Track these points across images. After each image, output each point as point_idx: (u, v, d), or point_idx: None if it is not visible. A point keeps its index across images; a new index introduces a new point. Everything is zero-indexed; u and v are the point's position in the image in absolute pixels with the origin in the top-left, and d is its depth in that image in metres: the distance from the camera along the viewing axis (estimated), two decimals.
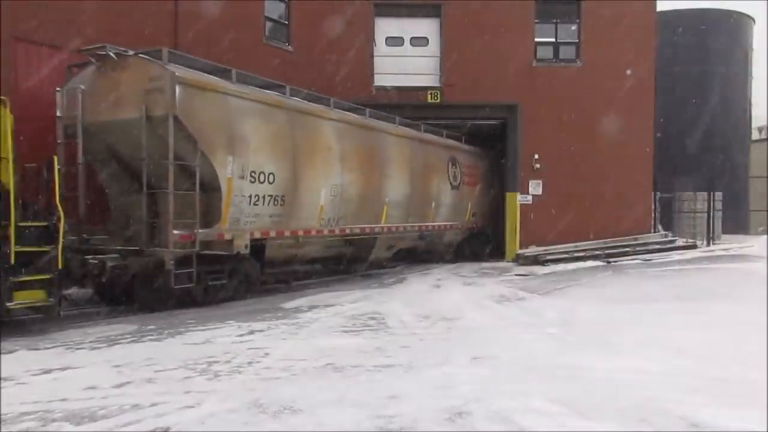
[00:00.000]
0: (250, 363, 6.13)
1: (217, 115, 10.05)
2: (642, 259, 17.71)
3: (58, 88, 9.83)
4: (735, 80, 30.39)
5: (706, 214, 22.78)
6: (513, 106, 18.97)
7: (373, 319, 8.85)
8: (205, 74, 10.26)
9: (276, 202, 11.11)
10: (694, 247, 19.96)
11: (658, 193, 22.19)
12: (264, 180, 10.76)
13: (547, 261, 17.61)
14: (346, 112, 13.47)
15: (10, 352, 6.71)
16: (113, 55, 9.66)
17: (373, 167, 13.75)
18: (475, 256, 19.23)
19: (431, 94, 18.67)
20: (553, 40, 19.29)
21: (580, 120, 18.66)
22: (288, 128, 11.45)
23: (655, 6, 19.85)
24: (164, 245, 9.33)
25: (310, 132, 12.03)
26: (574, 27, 19.23)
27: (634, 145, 19.00)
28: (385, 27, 18.87)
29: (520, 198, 18.94)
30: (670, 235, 20.99)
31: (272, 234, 11.14)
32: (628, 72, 18.89)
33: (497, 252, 19.58)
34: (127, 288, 9.77)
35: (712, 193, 22.86)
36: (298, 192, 11.55)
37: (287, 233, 11.49)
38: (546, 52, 19.26)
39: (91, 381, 5.41)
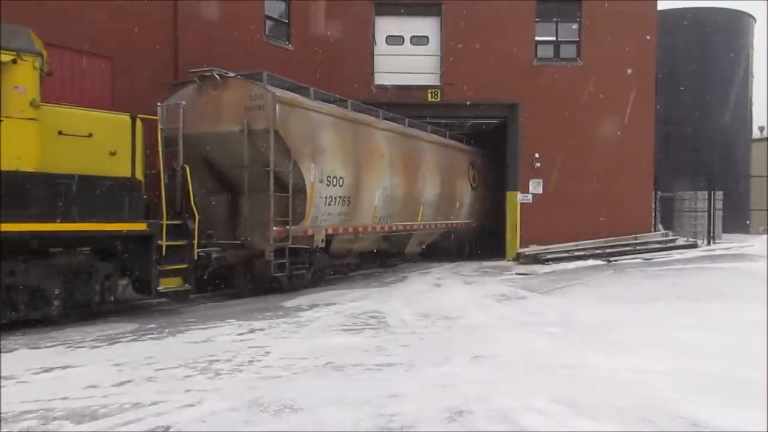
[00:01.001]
0: (250, 361, 6.13)
1: (304, 128, 11.71)
2: (642, 259, 17.71)
3: (159, 103, 10.72)
4: (735, 79, 30.37)
5: (706, 214, 22.77)
6: (513, 105, 18.97)
7: (373, 317, 8.84)
8: (290, 92, 11.71)
9: (343, 203, 12.81)
10: (694, 246, 19.96)
11: (659, 192, 22.20)
12: (336, 183, 12.46)
13: (548, 260, 17.61)
14: (393, 123, 15.14)
15: (11, 350, 6.71)
16: (217, 77, 11.03)
17: (413, 171, 15.44)
18: (484, 252, 19.68)
19: (431, 92, 18.66)
20: (553, 39, 19.27)
21: (581, 119, 18.66)
22: (352, 138, 13.16)
23: (655, 5, 19.83)
24: (266, 239, 10.90)
25: (368, 140, 13.77)
26: (574, 26, 19.22)
27: (634, 144, 18.99)
28: (386, 26, 18.86)
29: (520, 197, 18.94)
30: (671, 234, 20.99)
31: (340, 230, 12.91)
32: (629, 71, 18.87)
33: (498, 250, 19.61)
34: (223, 276, 11.50)
35: (712, 193, 22.84)
36: (359, 193, 13.25)
37: (350, 230, 13.24)
38: (546, 51, 19.24)
39: (91, 380, 5.40)
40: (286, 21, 16.65)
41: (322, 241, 12.29)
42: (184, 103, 10.63)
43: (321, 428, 4.21)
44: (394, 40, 18.93)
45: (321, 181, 11.96)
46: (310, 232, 11.90)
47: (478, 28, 18.41)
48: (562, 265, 16.89)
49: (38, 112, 7.72)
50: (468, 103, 18.75)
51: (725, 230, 24.53)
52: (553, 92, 18.67)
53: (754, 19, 31.92)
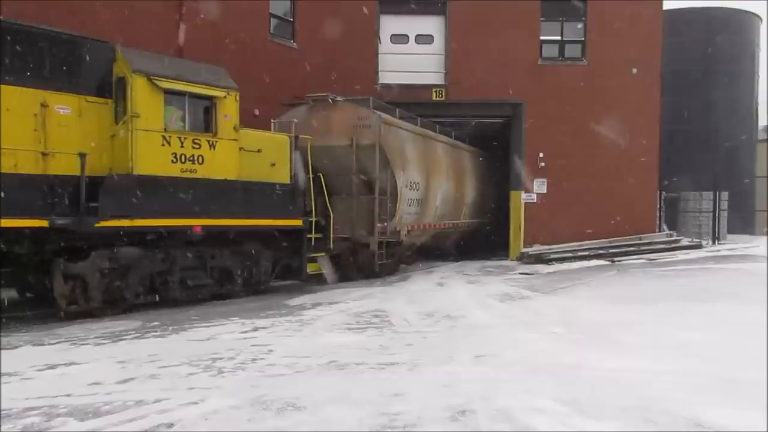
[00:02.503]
0: (253, 360, 6.14)
1: (397, 143, 14.11)
2: (646, 259, 17.66)
3: (273, 120, 13.13)
4: (741, 79, 30.25)
5: (711, 214, 22.70)
6: (518, 105, 18.94)
7: (376, 316, 8.85)
8: (380, 112, 13.71)
9: (418, 204, 15.17)
10: (699, 246, 19.89)
11: (663, 192, 22.15)
12: (414, 188, 14.83)
13: (551, 260, 17.59)
14: (448, 137, 17.87)
15: (16, 347, 6.74)
16: (330, 100, 13.33)
17: (459, 176, 17.97)
18: (492, 248, 20.24)
19: (436, 91, 18.65)
20: (558, 38, 19.24)
21: (585, 119, 18.61)
22: (423, 149, 15.60)
23: (661, 4, 19.75)
24: (370, 234, 13.29)
25: (432, 151, 16.26)
26: (579, 25, 19.18)
27: (639, 144, 18.94)
28: (390, 24, 18.85)
29: (524, 196, 18.92)
30: (675, 234, 20.93)
31: (414, 227, 15.24)
32: (634, 71, 18.82)
33: (503, 248, 19.62)
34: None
35: (717, 193, 22.77)
36: (428, 196, 15.63)
37: (420, 227, 15.69)
38: (551, 51, 19.20)
39: (95, 377, 5.42)
40: (291, 19, 16.66)
41: (405, 236, 14.77)
42: (296, 120, 12.49)
43: (324, 427, 4.21)
44: (399, 38, 18.92)
45: (406, 186, 14.26)
46: (398, 229, 14.29)
47: (483, 27, 18.39)
48: (565, 265, 16.86)
49: (237, 134, 10.07)
50: (472, 102, 18.74)
51: (730, 231, 24.47)
52: (557, 92, 18.63)
53: (761, 18, 31.79)
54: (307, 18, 16.85)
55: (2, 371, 5.56)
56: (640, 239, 19.03)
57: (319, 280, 12.94)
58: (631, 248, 18.52)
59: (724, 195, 23.24)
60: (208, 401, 4.74)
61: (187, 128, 9.46)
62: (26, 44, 8.18)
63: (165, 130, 9.14)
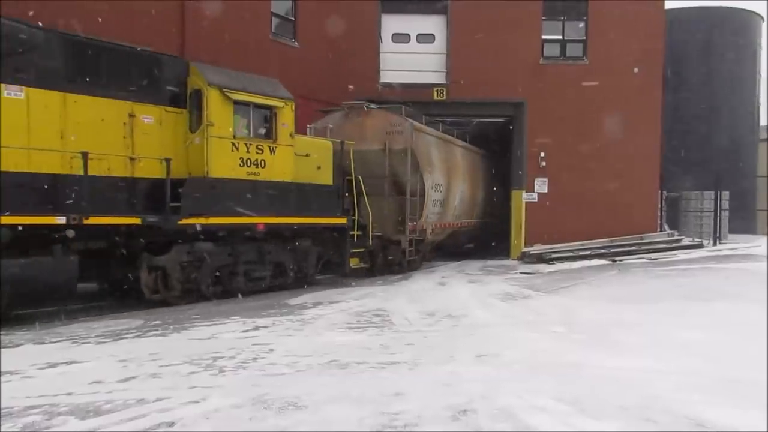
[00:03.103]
0: (254, 359, 6.14)
1: (425, 147, 15.08)
2: (648, 258, 17.65)
3: (309, 125, 13.95)
4: (743, 79, 30.21)
5: (713, 214, 22.67)
6: (519, 104, 18.93)
7: (377, 316, 8.85)
8: (410, 119, 14.65)
9: (441, 204, 16.13)
10: (700, 246, 19.87)
11: (665, 191, 22.11)
12: (438, 189, 15.73)
13: (552, 259, 17.58)
14: (462, 141, 18.79)
15: (17, 345, 6.75)
16: (365, 108, 14.28)
17: (472, 178, 18.81)
18: (493, 247, 20.52)
19: (437, 91, 18.65)
20: (560, 37, 19.22)
21: (587, 118, 18.60)
22: (445, 153, 16.57)
23: (663, 4, 19.73)
24: (401, 232, 14.28)
25: (453, 155, 17.25)
26: (581, 24, 19.15)
27: (640, 144, 18.92)
28: (392, 23, 18.84)
29: (525, 196, 18.91)
30: (677, 234, 20.91)
31: (437, 226, 16.22)
32: (636, 70, 18.80)
33: (502, 249, 19.63)
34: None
35: (719, 192, 22.73)
36: (449, 197, 16.57)
37: (441, 225, 16.61)
38: (553, 50, 19.19)
39: (96, 375, 5.43)
40: (293, 18, 16.65)
41: (429, 234, 15.74)
42: (331, 125, 13.66)
43: (324, 426, 4.21)
44: (401, 38, 18.91)
45: (432, 188, 15.17)
46: (424, 227, 15.18)
47: (484, 27, 18.37)
48: (566, 265, 16.85)
49: (293, 140, 11.16)
50: (474, 101, 18.73)
51: (731, 230, 24.44)
52: (559, 91, 18.62)
53: (762, 18, 31.74)
54: (308, 17, 16.84)
55: (3, 369, 5.57)
56: (642, 239, 19.01)
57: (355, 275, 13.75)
58: (633, 248, 18.51)
59: (726, 194, 23.19)
60: (209, 400, 4.74)
61: (251, 135, 10.49)
62: (116, 60, 9.20)
63: (234, 137, 10.17)
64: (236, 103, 10.13)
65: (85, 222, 8.31)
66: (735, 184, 26.00)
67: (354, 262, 12.96)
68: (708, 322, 8.16)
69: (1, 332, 7.35)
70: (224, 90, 9.95)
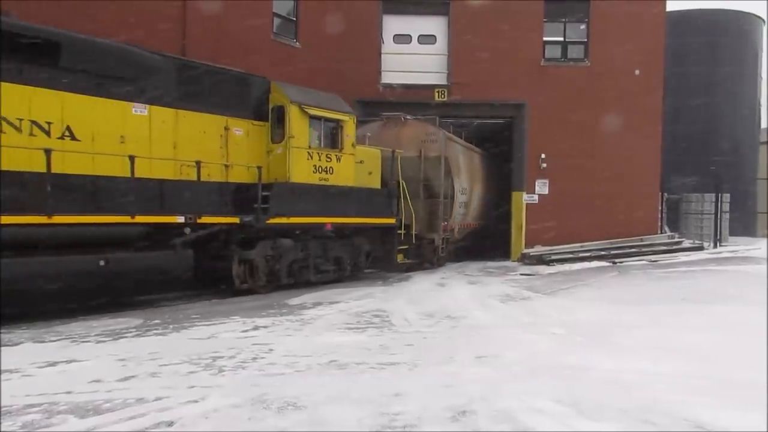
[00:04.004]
0: (254, 359, 6.14)
1: (454, 154, 16.41)
2: (648, 260, 17.65)
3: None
4: (744, 81, 30.22)
5: (713, 216, 22.66)
6: (520, 105, 18.93)
7: (377, 316, 8.85)
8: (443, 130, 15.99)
9: (464, 206, 17.33)
10: (700, 248, 19.88)
11: (665, 193, 22.11)
12: (464, 192, 17.05)
13: (553, 261, 17.58)
14: (478, 148, 19.62)
15: (16, 344, 6.75)
16: (402, 119, 15.71)
17: (486, 181, 19.64)
18: (493, 248, 20.50)
19: (438, 92, 18.65)
20: (561, 39, 19.22)
21: (588, 119, 18.60)
22: (468, 159, 17.83)
23: (664, 6, 19.73)
24: (436, 231, 15.66)
25: (473, 160, 18.43)
26: (582, 26, 19.15)
27: (641, 146, 18.92)
28: (393, 24, 18.85)
29: (526, 197, 18.91)
30: (677, 236, 20.90)
31: (462, 226, 17.49)
32: (637, 72, 18.81)
33: (500, 250, 19.63)
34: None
35: (719, 195, 22.73)
36: (471, 199, 17.81)
37: (464, 225, 17.83)
38: (554, 52, 19.20)
39: (96, 374, 5.43)
40: (294, 19, 16.66)
41: (456, 233, 17.12)
42: (369, 134, 14.58)
43: (323, 426, 4.21)
44: (402, 38, 18.92)
45: (459, 191, 16.47)
46: (452, 227, 16.49)
47: (485, 28, 18.38)
48: (566, 266, 16.85)
49: (354, 150, 12.60)
50: (475, 102, 18.73)
51: (732, 233, 24.44)
52: (560, 92, 18.63)
53: (763, 20, 31.75)
54: (310, 18, 16.84)
55: (3, 368, 5.57)
56: (642, 241, 19.02)
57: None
58: (633, 250, 18.51)
59: (726, 197, 23.20)
60: (209, 400, 4.74)
61: (321, 145, 11.89)
62: (214, 80, 10.59)
63: (309, 147, 11.61)
64: (311, 117, 11.58)
65: (198, 221, 9.77)
66: (735, 186, 26.02)
67: (399, 258, 14.37)
68: (708, 324, 8.16)
69: (1, 330, 7.36)
70: (302, 106, 11.40)
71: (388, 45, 18.76)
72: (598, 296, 11.16)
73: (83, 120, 8.72)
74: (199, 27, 13.50)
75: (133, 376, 5.42)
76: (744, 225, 28.47)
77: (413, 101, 18.08)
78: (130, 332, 7.54)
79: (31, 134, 8.17)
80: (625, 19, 18.77)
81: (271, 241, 11.31)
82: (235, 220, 10.43)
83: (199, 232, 9.85)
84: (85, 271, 8.39)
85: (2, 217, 7.50)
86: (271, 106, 11.39)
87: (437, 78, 18.80)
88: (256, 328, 7.88)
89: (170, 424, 4.21)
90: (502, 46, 18.36)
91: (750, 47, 30.62)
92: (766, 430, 4.17)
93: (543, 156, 18.74)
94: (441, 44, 18.95)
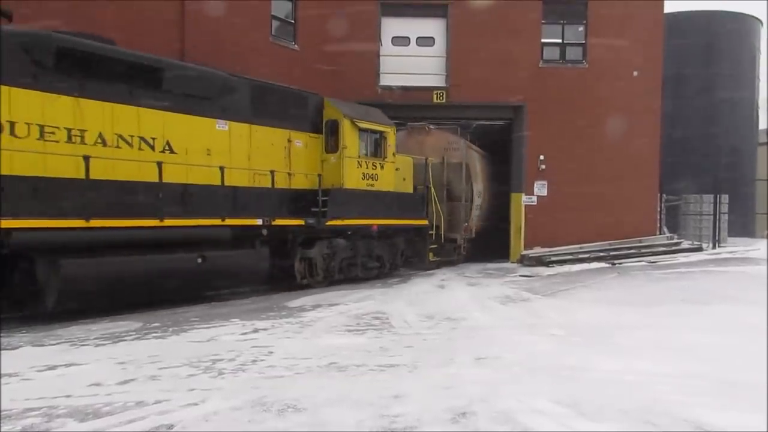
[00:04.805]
0: (254, 361, 6.14)
1: (473, 161, 17.71)
2: (647, 261, 17.66)
3: None
4: (742, 82, 30.27)
5: (712, 217, 22.68)
6: (519, 107, 18.94)
7: (377, 318, 8.85)
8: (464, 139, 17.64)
9: (479, 208, 18.46)
10: (699, 249, 19.90)
11: (664, 194, 22.12)
12: (480, 196, 18.23)
13: (552, 262, 17.58)
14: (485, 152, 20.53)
15: (16, 348, 6.74)
16: (426, 128, 17.19)
17: (493, 184, 20.16)
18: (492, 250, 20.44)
19: (437, 94, 18.64)
20: (559, 41, 19.22)
21: (586, 121, 18.60)
22: (483, 165, 18.97)
23: (662, 7, 19.75)
24: (459, 231, 17.18)
25: (486, 165, 19.52)
26: (580, 28, 19.17)
27: (640, 147, 18.93)
28: (391, 26, 18.85)
29: (525, 199, 18.91)
30: (676, 237, 20.91)
31: (477, 227, 18.59)
32: (635, 73, 18.82)
33: (503, 250, 19.63)
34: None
35: (718, 196, 22.75)
36: (484, 201, 18.82)
37: (478, 226, 18.80)
38: (552, 53, 19.19)
39: (95, 377, 5.42)
40: (293, 21, 16.67)
41: (473, 233, 18.43)
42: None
43: (324, 428, 4.21)
44: (400, 41, 18.92)
45: (477, 195, 17.79)
46: (471, 227, 17.86)
47: (484, 30, 18.39)
48: (566, 268, 16.85)
49: (394, 158, 14.02)
50: (473, 104, 18.73)
51: (731, 234, 24.45)
52: (558, 94, 18.63)
53: (761, 22, 31.81)
54: (308, 20, 16.86)
55: (2, 372, 5.56)
56: (641, 242, 19.02)
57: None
58: (632, 251, 18.52)
59: (725, 198, 23.21)
60: (209, 402, 4.74)
61: (368, 155, 13.20)
62: (279, 98, 11.94)
63: (358, 156, 12.96)
64: (360, 129, 12.95)
65: (273, 224, 11.13)
66: (734, 187, 26.03)
67: (430, 256, 15.66)
68: (707, 325, 8.17)
69: (1, 334, 7.35)
70: (353, 120, 12.78)
71: (386, 47, 18.77)
72: (597, 297, 11.17)
73: (179, 135, 10.03)
74: (198, 29, 13.51)
75: (132, 380, 5.41)
76: (742, 226, 28.48)
77: (412, 103, 18.07)
78: (130, 335, 7.53)
79: (139, 149, 9.43)
80: (624, 21, 18.79)
81: (327, 241, 12.64)
82: (301, 222, 11.80)
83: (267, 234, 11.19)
84: (185, 267, 9.71)
85: (122, 221, 8.85)
86: (324, 120, 12.74)
87: (436, 80, 18.80)
88: (255, 330, 7.87)
89: (170, 427, 4.21)
90: (501, 48, 18.36)
91: (748, 49, 30.67)
92: (766, 430, 4.17)
93: (542, 157, 18.73)
94: (439, 46, 18.96)
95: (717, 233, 22.52)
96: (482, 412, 4.49)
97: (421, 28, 19.02)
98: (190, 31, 13.40)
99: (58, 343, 7.01)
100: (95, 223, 8.47)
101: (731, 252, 20.28)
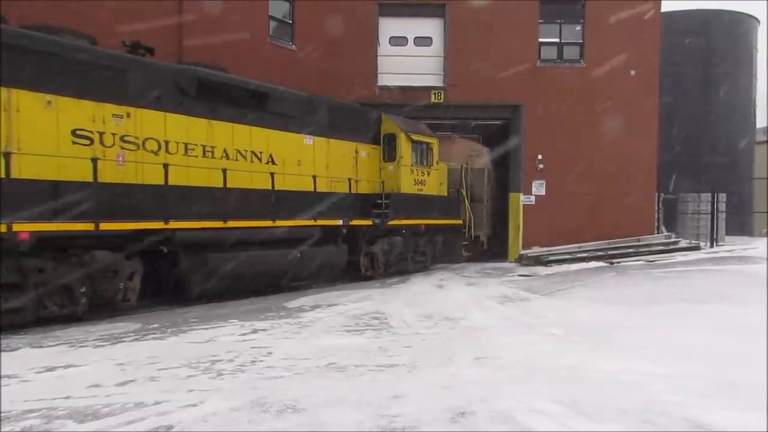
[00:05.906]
0: (253, 362, 6.14)
1: (490, 166, 19.65)
2: (645, 261, 17.67)
3: None
4: (739, 81, 30.30)
5: (709, 216, 22.69)
6: (517, 107, 18.95)
7: (375, 318, 8.85)
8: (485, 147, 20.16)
9: (494, 209, 19.91)
10: (697, 248, 19.91)
11: (662, 193, 22.13)
12: (495, 197, 20.02)
13: (550, 262, 17.59)
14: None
15: (14, 349, 6.73)
16: (452, 137, 19.13)
17: (499, 186, 21.17)
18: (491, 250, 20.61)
19: (435, 94, 18.66)
20: (557, 40, 19.24)
21: (584, 120, 18.63)
22: (495, 168, 20.37)
23: (659, 6, 19.77)
24: (482, 230, 18.79)
25: (496, 169, 20.60)
26: (578, 27, 19.18)
27: (637, 146, 18.96)
28: (389, 26, 18.86)
29: (523, 198, 18.93)
30: (674, 236, 20.93)
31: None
32: (632, 72, 18.84)
33: (500, 251, 19.66)
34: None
35: (715, 195, 22.77)
36: (489, 204, 20.01)
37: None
38: (550, 53, 19.22)
39: (94, 379, 5.42)
40: (290, 21, 16.66)
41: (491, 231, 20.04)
42: None
43: (323, 429, 4.21)
44: (398, 40, 18.92)
45: (492, 196, 19.71)
46: (490, 225, 19.74)
47: (481, 30, 18.40)
48: (564, 267, 16.86)
49: (438, 166, 15.97)
50: (471, 104, 18.74)
51: (728, 232, 24.47)
52: (556, 93, 18.65)
53: (758, 21, 31.85)
54: (306, 20, 16.85)
55: (2, 373, 5.55)
56: (639, 241, 19.04)
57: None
58: (630, 250, 18.53)
59: (723, 196, 23.23)
60: (208, 403, 4.74)
61: (418, 164, 14.98)
62: (348, 114, 13.77)
63: (411, 165, 14.75)
64: (413, 141, 14.77)
65: (350, 224, 13.00)
66: (732, 186, 26.06)
67: (462, 251, 17.24)
68: (706, 325, 8.17)
69: (0, 336, 7.35)
70: (408, 134, 14.63)
71: (384, 47, 18.78)
72: (596, 297, 11.17)
73: (278, 149, 11.88)
74: (196, 30, 13.50)
75: (131, 381, 5.41)
76: (740, 225, 28.52)
77: (410, 103, 18.07)
78: (129, 336, 7.53)
79: (251, 161, 11.32)
80: (621, 20, 18.79)
81: (386, 239, 14.37)
82: (369, 222, 13.63)
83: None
84: (289, 260, 11.50)
85: (248, 222, 10.63)
86: (383, 134, 14.61)
87: (433, 80, 18.81)
88: (254, 331, 7.87)
89: (169, 428, 4.21)
90: (498, 47, 18.38)
91: (745, 47, 30.70)
92: (765, 430, 4.18)
93: (540, 157, 18.75)
94: (437, 46, 18.97)
95: (714, 232, 22.54)
96: (481, 411, 4.50)
97: (419, 28, 19.03)
98: (187, 33, 13.39)
99: (56, 345, 7.00)
100: (231, 224, 10.31)
101: (729, 251, 20.28)
